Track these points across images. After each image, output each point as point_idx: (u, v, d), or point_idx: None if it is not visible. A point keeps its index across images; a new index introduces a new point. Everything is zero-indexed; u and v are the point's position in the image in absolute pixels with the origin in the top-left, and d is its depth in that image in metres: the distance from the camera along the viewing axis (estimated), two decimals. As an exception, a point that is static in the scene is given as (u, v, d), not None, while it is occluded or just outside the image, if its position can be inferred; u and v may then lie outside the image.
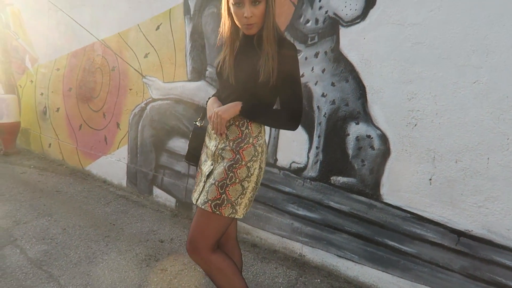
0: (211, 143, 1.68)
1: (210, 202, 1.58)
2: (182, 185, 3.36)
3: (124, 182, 3.91)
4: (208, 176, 1.63)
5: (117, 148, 3.94)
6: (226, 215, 1.59)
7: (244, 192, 1.61)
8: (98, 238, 2.94)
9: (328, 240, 2.46)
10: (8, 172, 4.42)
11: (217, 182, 1.58)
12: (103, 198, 3.73)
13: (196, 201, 1.64)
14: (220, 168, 1.60)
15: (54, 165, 4.72)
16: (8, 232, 3.01)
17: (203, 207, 1.58)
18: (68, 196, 3.76)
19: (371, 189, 2.27)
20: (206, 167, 1.67)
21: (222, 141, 1.63)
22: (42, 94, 4.89)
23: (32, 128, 5.16)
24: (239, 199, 1.60)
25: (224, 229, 1.64)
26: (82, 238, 2.93)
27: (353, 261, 2.36)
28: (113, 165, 4.00)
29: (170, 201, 3.47)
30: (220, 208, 1.57)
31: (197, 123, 1.81)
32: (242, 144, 1.60)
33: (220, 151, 1.62)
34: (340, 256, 2.42)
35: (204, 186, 1.63)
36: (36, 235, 2.98)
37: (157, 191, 3.58)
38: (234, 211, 1.60)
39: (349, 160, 2.35)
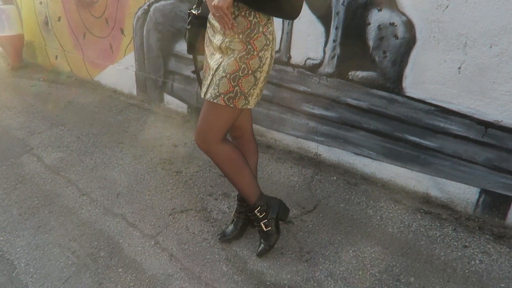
0: (215, 37, 1.52)
1: (223, 96, 1.48)
2: (192, 90, 3.25)
3: (134, 91, 3.82)
4: (217, 69, 1.50)
5: (124, 56, 3.77)
6: (239, 107, 1.51)
7: (256, 82, 1.51)
8: (112, 144, 2.94)
9: (345, 138, 2.37)
10: (18, 86, 4.36)
11: (228, 75, 1.47)
12: (115, 107, 3.67)
13: (205, 95, 1.53)
14: (230, 60, 1.47)
15: (63, 77, 4.63)
16: (24, 142, 3.02)
17: (215, 101, 1.49)
18: (79, 106, 3.71)
19: (393, 83, 2.11)
20: (213, 60, 1.54)
21: (229, 35, 1.47)
22: (41, 3, 4.61)
23: (36, 40, 4.98)
24: (251, 90, 1.51)
25: (234, 120, 1.57)
26: (96, 145, 2.93)
27: (370, 158, 2.30)
28: (121, 74, 3.88)
29: (182, 107, 3.39)
30: (234, 101, 1.49)
31: (193, 11, 1.63)
32: (253, 34, 1.45)
33: (227, 44, 1.47)
34: (357, 154, 2.35)
35: (212, 79, 1.51)
36: (51, 144, 2.98)
37: (168, 98, 3.49)
38: (246, 102, 1.52)
39: (369, 53, 2.16)
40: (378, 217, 2.02)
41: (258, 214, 1.70)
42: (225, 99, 1.48)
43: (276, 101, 2.65)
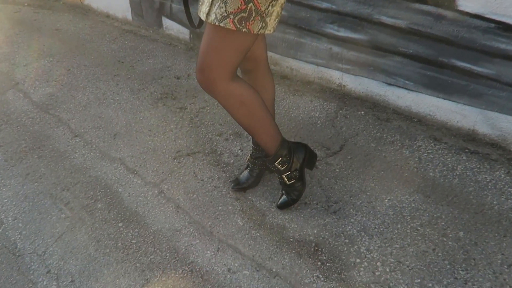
0: None
1: (232, 16, 1.11)
2: (195, 12, 2.81)
3: (129, 15, 3.37)
4: None
5: (114, -27, 3.28)
6: (255, 31, 1.14)
7: None
8: (107, 77, 2.60)
9: (376, 65, 2.01)
10: (0, 12, 3.91)
11: None
12: (108, 34, 3.26)
13: (206, 16, 1.16)
14: None
15: (49, 1, 4.14)
16: (8, 76, 2.69)
17: (222, 24, 1.12)
18: (68, 34, 3.31)
19: (441, -6, 1.70)
20: None
21: None
22: None
23: (16, -42, 4.40)
24: (270, 7, 1.14)
25: (247, 51, 1.21)
26: (89, 79, 2.60)
27: (406, 88, 1.95)
28: (113, -5, 3.41)
29: (183, 32, 2.97)
30: (247, 23, 1.12)
31: None
32: None
33: None
34: (389, 84, 2.01)
35: None
36: (38, 77, 2.65)
37: (167, 22, 3.06)
38: (264, 24, 1.15)
39: (413, -45, 1.71)
40: (416, 159, 1.74)
41: (279, 166, 1.42)
42: (235, 20, 1.11)
43: (293, 22, 2.24)
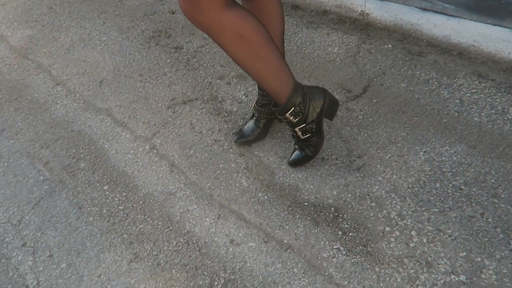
0: None
1: None
2: None
3: None
4: None
5: None
6: None
7: None
8: (93, 15, 2.27)
9: (408, -14, 1.64)
10: None
11: None
12: (94, -35, 2.87)
13: None
14: None
15: None
16: (-15, 17, 2.39)
17: None
18: (51, -33, 2.92)
19: None
20: None
21: None
22: None
23: None
24: None
25: None
26: (73, 17, 2.28)
27: (445, 14, 1.60)
28: None
29: (178, -41, 2.57)
30: None
31: None
32: None
33: None
34: (424, 9, 1.64)
35: None
36: (17, 17, 2.35)
37: None
38: None
39: None
40: (457, 101, 1.43)
41: (291, 118, 1.14)
42: None
43: None
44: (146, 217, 1.24)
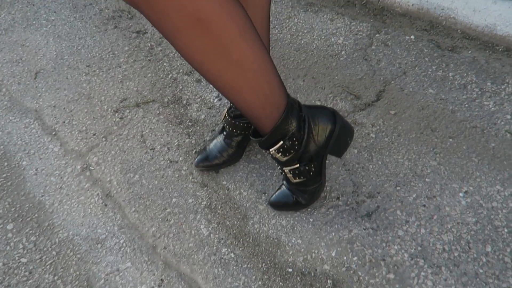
0: None
1: None
2: None
3: None
4: None
5: None
6: None
7: None
8: (45, -11, 1.85)
9: (441, -43, 1.22)
10: None
11: None
12: None
13: None
14: None
15: None
16: None
17: None
18: None
19: None
20: None
21: None
22: None
23: None
24: None
25: None
26: (21, -9, 1.86)
27: (490, -4, 1.18)
28: None
29: None
30: None
31: None
32: None
33: None
34: (461, -10, 1.23)
35: None
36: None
37: None
38: None
39: None
40: (508, 116, 1.03)
41: (279, 155, 0.74)
42: None
43: None
44: (56, 278, 0.85)
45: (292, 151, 0.72)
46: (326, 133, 0.74)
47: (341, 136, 0.76)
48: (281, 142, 0.71)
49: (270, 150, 0.72)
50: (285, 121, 0.69)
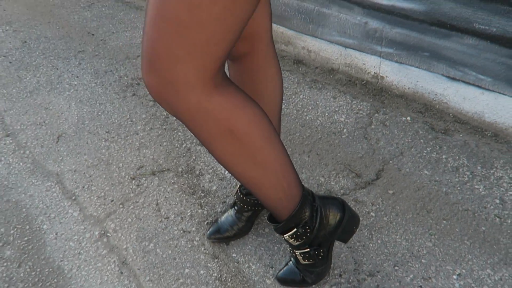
0: None
1: None
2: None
3: (111, -24, 2.74)
4: None
5: None
6: None
7: None
8: (69, 54, 2.01)
9: (434, 50, 1.37)
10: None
11: None
12: (84, -2, 2.65)
13: None
14: None
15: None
16: (-50, 47, 2.12)
17: None
18: (38, -3, 2.71)
19: None
20: None
21: None
22: None
23: None
24: None
25: (240, 26, 0.60)
26: (46, 55, 2.01)
27: (479, 86, 1.32)
28: (93, -49, 2.76)
29: None
30: None
31: None
32: None
33: None
34: (453, 78, 1.37)
35: None
36: (-15, 51, 2.08)
37: (153, -16, 2.43)
38: None
39: None
40: (497, 201, 1.12)
41: (292, 240, 0.82)
42: None
43: (314, -16, 1.60)
44: None
45: (304, 237, 0.80)
46: (335, 221, 0.83)
47: (348, 224, 0.85)
48: (295, 229, 0.79)
49: (284, 235, 0.81)
50: (299, 211, 0.78)
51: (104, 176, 1.31)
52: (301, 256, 0.84)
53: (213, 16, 0.55)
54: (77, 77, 1.83)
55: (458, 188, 1.16)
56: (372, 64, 1.56)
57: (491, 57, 1.25)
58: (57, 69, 1.89)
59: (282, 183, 0.74)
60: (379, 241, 1.04)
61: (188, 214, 1.16)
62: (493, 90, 1.29)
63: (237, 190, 1.05)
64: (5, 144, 1.47)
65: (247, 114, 0.67)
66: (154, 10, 0.57)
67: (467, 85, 1.34)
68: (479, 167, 1.22)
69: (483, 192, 1.14)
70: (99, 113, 1.59)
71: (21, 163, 1.39)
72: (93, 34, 2.18)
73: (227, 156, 0.69)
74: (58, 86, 1.77)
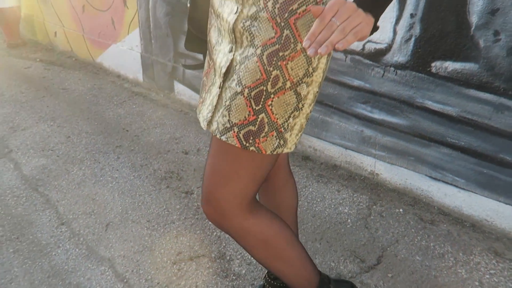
0: (225, 8, 0.85)
1: (236, 129, 0.82)
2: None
3: (140, 76, 3.19)
4: (227, 74, 0.84)
5: (128, 34, 3.13)
6: (268, 151, 0.84)
7: (301, 104, 0.83)
8: (108, 148, 2.34)
9: (418, 155, 1.70)
10: (11, 67, 3.79)
11: (247, 90, 0.80)
12: (116, 96, 3.06)
13: (208, 124, 0.88)
14: (251, 60, 0.80)
15: (62, 57, 4.03)
16: (3, 141, 2.45)
17: (223, 138, 0.84)
18: (75, 94, 3.12)
19: (506, 81, 1.41)
20: (220, 54, 0.87)
21: (249, 2, 0.79)
22: (36, -31, 3.98)
23: (34, 14, 4.37)
24: (291, 119, 0.84)
25: (265, 174, 0.91)
26: (88, 149, 2.34)
27: (455, 186, 1.63)
28: (125, 56, 3.25)
29: (195, 99, 2.75)
30: (257, 139, 0.83)
31: None
32: (295, 6, 0.77)
33: (246, 23, 0.80)
34: (434, 179, 1.68)
35: (220, 94, 0.85)
36: (34, 145, 2.41)
37: (179, 86, 2.85)
38: (282, 142, 0.85)
39: (469, 34, 1.45)
40: (477, 283, 1.37)
41: None
42: (241, 136, 0.82)
43: (319, 98, 1.98)
44: None
45: (321, 317, 1.06)
46: (346, 303, 1.09)
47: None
48: None
49: None
50: (316, 292, 1.04)
51: (149, 261, 1.56)
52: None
53: (245, 171, 0.87)
54: (117, 170, 2.14)
55: (445, 272, 1.42)
56: (369, 163, 1.89)
57: (463, 164, 1.57)
58: (99, 162, 2.21)
59: (303, 273, 1.02)
60: (382, 319, 1.27)
61: (223, 295, 1.40)
62: (467, 190, 1.60)
63: (265, 275, 1.31)
64: (61, 231, 1.74)
65: (275, 228, 0.97)
66: (210, 161, 0.90)
67: (446, 184, 1.65)
68: (461, 254, 1.48)
69: (465, 276, 1.40)
70: (139, 204, 1.87)
71: (77, 249, 1.64)
72: (127, 130, 2.54)
73: (262, 256, 0.98)
74: (101, 178, 2.08)
